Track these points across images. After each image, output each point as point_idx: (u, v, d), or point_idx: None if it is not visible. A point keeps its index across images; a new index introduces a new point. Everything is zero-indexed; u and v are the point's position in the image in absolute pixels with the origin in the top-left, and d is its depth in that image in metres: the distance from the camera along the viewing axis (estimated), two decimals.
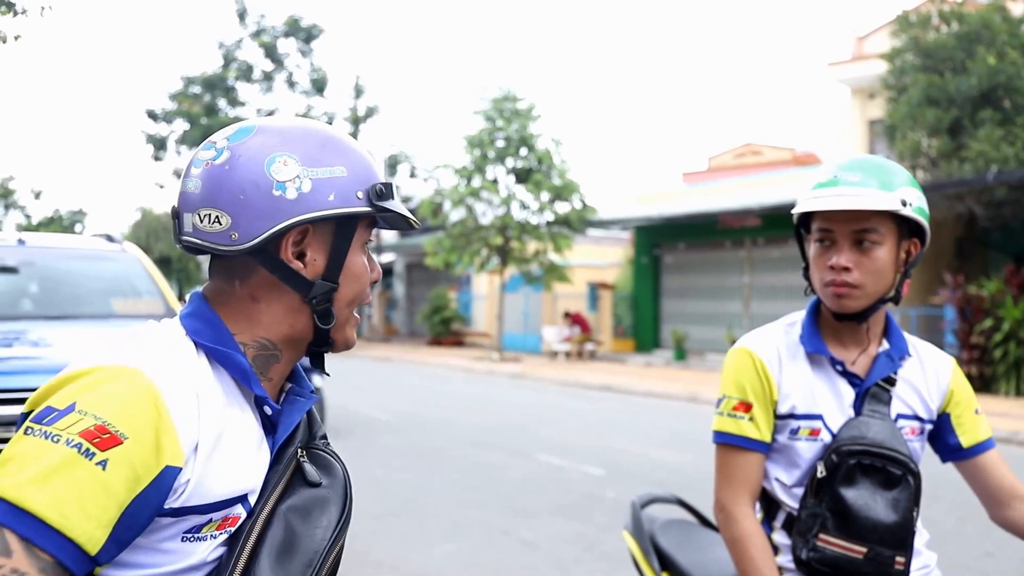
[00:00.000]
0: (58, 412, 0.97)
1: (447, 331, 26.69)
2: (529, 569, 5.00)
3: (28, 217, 45.26)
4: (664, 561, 2.14)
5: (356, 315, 1.23)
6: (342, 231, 1.16)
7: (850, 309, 1.77)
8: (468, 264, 21.89)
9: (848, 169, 1.74)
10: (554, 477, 7.49)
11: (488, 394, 14.46)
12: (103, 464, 0.95)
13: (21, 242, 5.48)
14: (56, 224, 45.25)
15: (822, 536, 1.72)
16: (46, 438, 0.95)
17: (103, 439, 0.95)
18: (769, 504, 1.86)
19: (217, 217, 1.10)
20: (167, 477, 0.99)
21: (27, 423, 0.98)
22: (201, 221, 1.11)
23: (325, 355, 1.24)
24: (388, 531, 5.71)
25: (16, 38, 9.01)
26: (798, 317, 1.91)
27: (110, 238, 5.81)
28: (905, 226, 1.77)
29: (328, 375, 1.28)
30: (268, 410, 1.15)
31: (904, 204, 1.70)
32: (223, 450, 1.07)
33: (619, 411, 12.51)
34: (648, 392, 14.79)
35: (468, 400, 13.48)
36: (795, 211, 1.80)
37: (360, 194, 1.15)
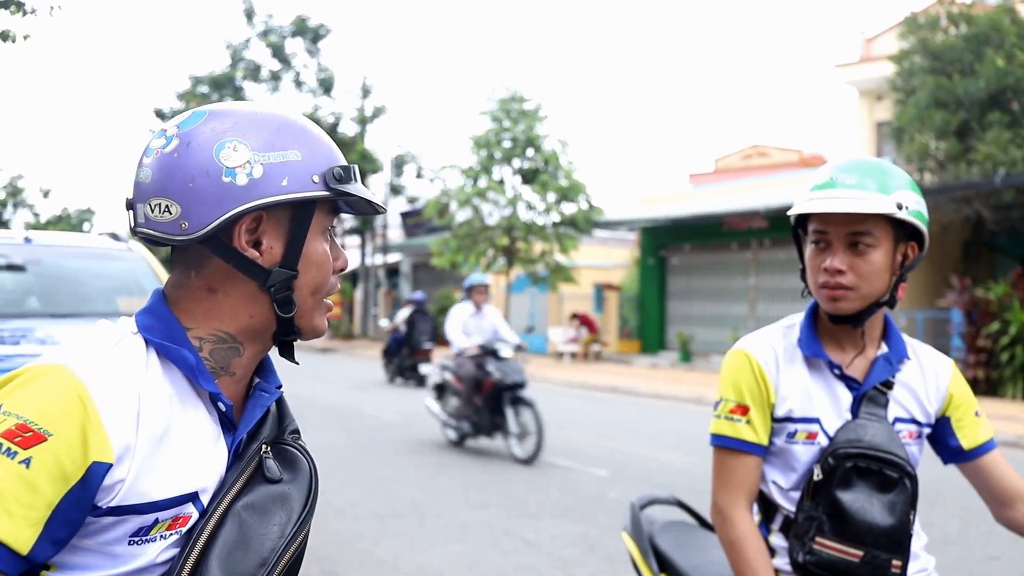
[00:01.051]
0: None
1: None
2: (532, 570, 5.00)
3: (37, 216, 45.40)
4: (663, 563, 2.14)
5: (328, 302, 1.19)
6: (299, 217, 1.12)
7: (843, 311, 1.77)
8: (474, 264, 21.91)
9: (845, 171, 1.74)
10: (558, 478, 7.50)
11: None
12: (26, 462, 0.93)
13: (28, 240, 5.51)
14: (64, 223, 45.39)
15: (818, 539, 1.72)
16: None
17: (25, 437, 0.94)
18: (767, 507, 1.87)
19: (167, 207, 1.07)
20: (95, 474, 0.97)
21: None
22: (152, 211, 1.08)
23: (293, 344, 1.20)
24: (392, 531, 5.72)
25: (25, 38, 9.05)
26: (796, 320, 1.91)
27: (116, 237, 5.83)
28: (902, 229, 1.76)
29: (297, 364, 1.22)
30: (222, 406, 1.12)
31: (900, 207, 1.70)
32: (168, 448, 1.05)
33: (624, 412, 12.50)
34: (654, 393, 14.78)
35: None
36: (791, 213, 1.80)
37: (316, 178, 1.11)
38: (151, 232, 1.09)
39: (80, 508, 0.98)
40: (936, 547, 5.38)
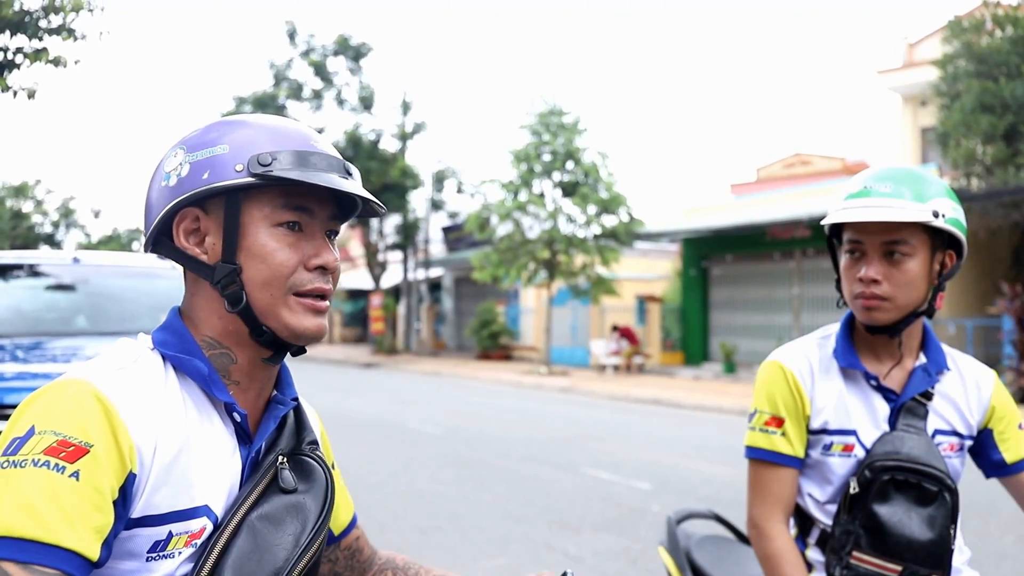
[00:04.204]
0: (20, 439, 0.97)
1: (495, 345, 26.72)
2: None
3: (88, 236, 46.48)
4: None
5: (312, 302, 1.14)
6: (230, 208, 1.11)
7: (880, 322, 1.74)
8: (515, 278, 21.92)
9: (880, 179, 1.72)
10: (601, 491, 7.45)
11: (536, 408, 14.44)
12: (76, 475, 0.95)
13: (76, 260, 5.65)
14: (115, 242, 46.40)
15: (856, 553, 1.69)
16: (14, 467, 0.95)
17: (68, 452, 0.96)
18: (803, 520, 1.84)
19: (144, 223, 1.16)
20: (129, 483, 1.00)
21: None
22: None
23: (285, 349, 1.16)
24: (434, 545, 5.73)
25: (76, 62, 9.28)
26: (832, 330, 1.88)
27: (161, 256, 5.96)
28: (939, 238, 1.73)
29: (305, 351, 1.20)
30: (237, 416, 1.12)
31: (936, 215, 1.67)
32: (183, 462, 1.05)
33: (668, 425, 12.40)
34: (697, 406, 14.64)
35: (516, 414, 13.48)
36: (824, 222, 1.78)
37: (239, 167, 1.09)
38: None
39: (120, 516, 1.00)
40: (990, 561, 5.26)
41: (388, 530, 6.05)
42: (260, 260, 1.11)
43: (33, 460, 0.95)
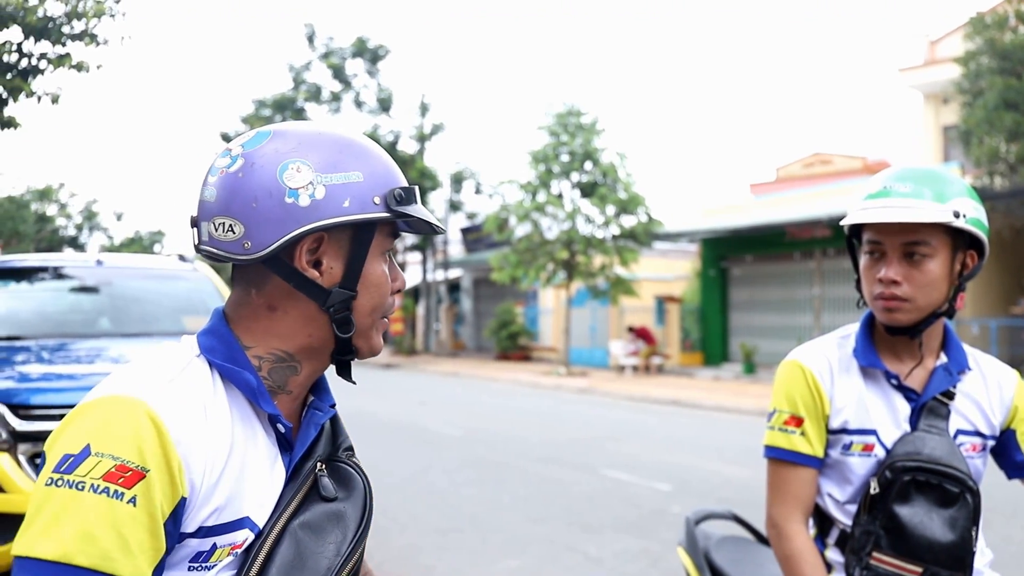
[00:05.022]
0: (75, 457, 0.96)
1: (514, 346, 26.74)
2: None
3: (111, 238, 46.96)
4: None
5: (384, 320, 1.19)
6: (359, 238, 1.12)
7: (900, 323, 1.73)
8: (534, 279, 21.93)
9: (899, 179, 1.71)
10: (620, 493, 7.44)
11: (555, 409, 14.43)
12: (133, 501, 0.95)
13: (99, 262, 5.71)
14: (137, 244, 46.84)
15: (875, 554, 1.68)
16: (72, 487, 0.95)
17: (126, 477, 0.95)
18: (822, 520, 1.83)
19: (231, 226, 1.08)
20: (180, 506, 1.00)
21: (49, 474, 0.97)
22: (216, 230, 1.09)
23: (350, 363, 1.20)
24: (453, 546, 5.74)
25: (98, 67, 9.38)
26: (852, 330, 1.88)
27: (183, 257, 6.02)
28: (960, 238, 1.72)
29: (355, 383, 1.24)
30: (281, 428, 1.12)
31: (957, 215, 1.66)
32: (228, 474, 1.05)
33: (687, 426, 12.36)
34: (717, 406, 14.59)
35: (535, 415, 13.48)
36: (843, 223, 1.78)
37: (377, 199, 1.11)
38: (214, 250, 1.10)
39: (172, 539, 1.00)
40: (1014, 562, 5.21)
41: (407, 532, 6.07)
42: (374, 288, 1.15)
43: (92, 486, 0.95)
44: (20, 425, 3.90)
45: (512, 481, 7.97)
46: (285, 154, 1.09)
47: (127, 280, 5.71)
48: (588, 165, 21.78)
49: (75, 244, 44.54)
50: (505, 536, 6.00)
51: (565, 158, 21.84)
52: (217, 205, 1.10)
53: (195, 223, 1.13)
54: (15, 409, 3.95)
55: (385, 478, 7.86)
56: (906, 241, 1.69)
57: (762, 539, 2.27)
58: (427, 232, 1.19)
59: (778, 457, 1.82)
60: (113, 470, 0.95)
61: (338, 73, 29.95)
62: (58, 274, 5.73)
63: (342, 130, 1.16)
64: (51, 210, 42.83)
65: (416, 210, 1.14)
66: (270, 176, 1.08)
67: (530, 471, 8.50)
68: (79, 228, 45.00)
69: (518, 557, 5.51)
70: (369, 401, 14.65)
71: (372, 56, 29.94)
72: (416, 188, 1.17)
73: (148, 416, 0.99)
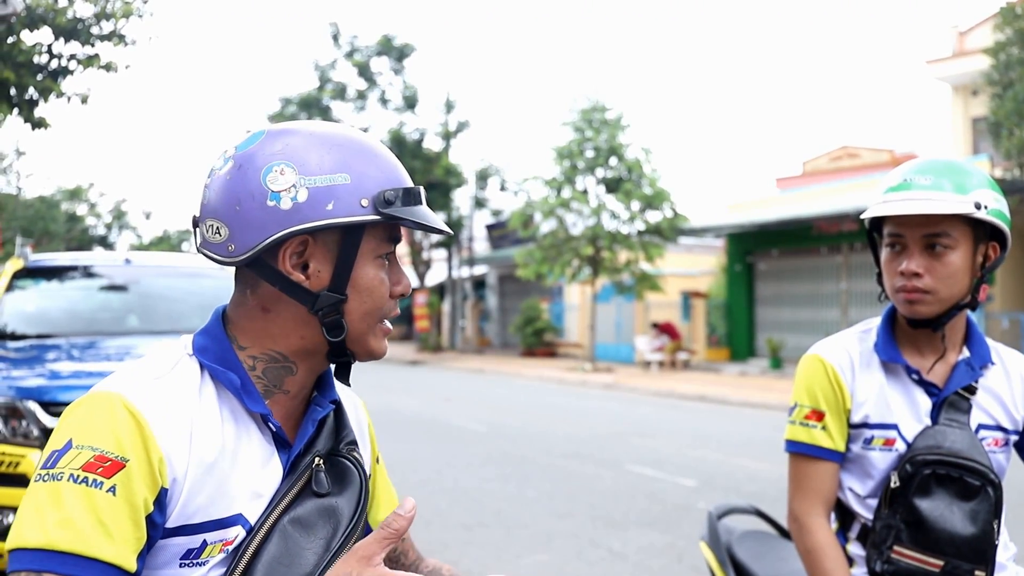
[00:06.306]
0: (58, 452, 0.99)
1: (539, 342, 26.74)
2: None
3: (140, 237, 47.49)
4: (741, 573, 2.11)
5: (387, 326, 1.17)
6: (347, 241, 1.10)
7: (922, 315, 1.72)
8: (559, 275, 21.91)
9: (920, 172, 1.70)
10: (645, 488, 7.44)
11: (580, 404, 14.43)
12: (112, 490, 0.97)
13: (128, 261, 5.80)
14: (165, 243, 47.35)
15: (896, 548, 1.68)
16: (53, 480, 0.98)
17: (105, 467, 0.98)
18: (844, 514, 1.83)
19: (218, 228, 1.09)
20: (162, 496, 1.01)
21: (38, 471, 1.00)
22: (208, 232, 1.10)
23: (350, 365, 1.19)
24: (478, 541, 5.77)
25: (127, 67, 9.51)
26: (873, 324, 1.87)
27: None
28: (982, 229, 1.71)
29: (350, 385, 1.23)
30: (272, 427, 1.12)
31: (979, 207, 1.65)
32: (218, 471, 1.06)
33: (713, 421, 12.32)
34: (743, 402, 14.52)
35: (560, 411, 13.48)
36: (864, 216, 1.77)
37: (365, 202, 1.08)
38: (207, 252, 1.11)
39: (155, 528, 1.01)
40: None
41: (433, 527, 6.10)
42: (366, 293, 1.12)
43: (71, 475, 0.97)
44: (51, 422, 3.97)
45: (537, 476, 7.99)
46: (271, 156, 1.08)
47: (155, 278, 5.79)
48: (613, 161, 21.71)
49: (105, 243, 45.08)
50: (530, 531, 6.02)
51: (590, 154, 21.79)
52: (209, 207, 1.11)
53: (196, 224, 1.14)
54: (46, 406, 4.02)
55: (410, 474, 7.91)
56: (927, 233, 1.69)
57: (784, 533, 2.27)
58: (433, 232, 1.16)
59: (799, 451, 1.82)
60: (92, 460, 0.98)
61: (363, 71, 30.04)
62: (88, 273, 5.83)
63: (340, 130, 1.14)
64: (81, 209, 43.39)
65: (411, 212, 1.11)
66: (255, 179, 1.07)
67: (555, 466, 8.51)
68: (108, 227, 45.54)
69: (543, 552, 5.52)
70: (395, 398, 14.72)
71: (397, 54, 30.00)
72: (421, 189, 1.15)
73: (126, 408, 1.01)
